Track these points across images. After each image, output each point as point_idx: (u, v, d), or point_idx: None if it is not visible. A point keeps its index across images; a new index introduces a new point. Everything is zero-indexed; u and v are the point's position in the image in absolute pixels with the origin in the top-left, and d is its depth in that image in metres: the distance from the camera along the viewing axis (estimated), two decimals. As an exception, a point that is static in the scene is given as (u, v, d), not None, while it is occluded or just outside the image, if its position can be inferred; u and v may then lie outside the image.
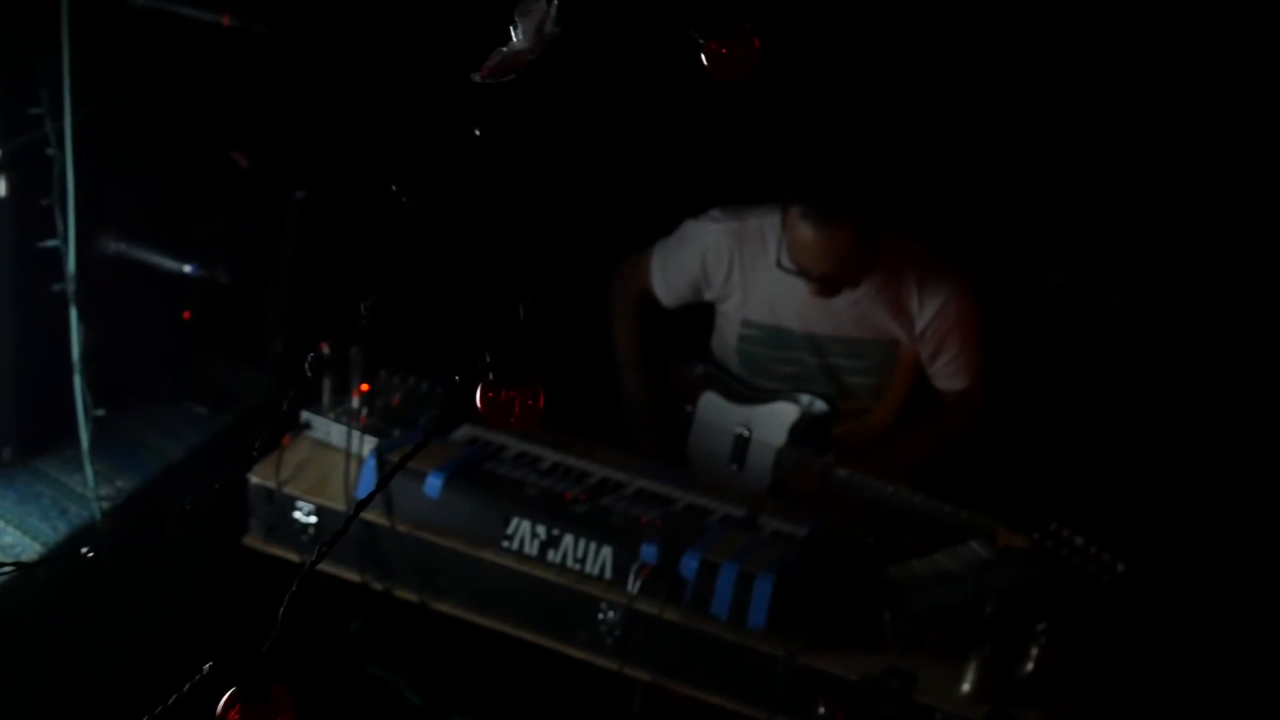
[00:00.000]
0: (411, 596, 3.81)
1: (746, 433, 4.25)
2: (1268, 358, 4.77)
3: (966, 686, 3.38)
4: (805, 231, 3.94)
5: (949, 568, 3.63)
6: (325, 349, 3.80)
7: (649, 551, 3.55)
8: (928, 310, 4.14)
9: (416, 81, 4.38)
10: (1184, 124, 4.77)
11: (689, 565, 3.52)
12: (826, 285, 4.03)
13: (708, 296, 4.31)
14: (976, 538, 3.71)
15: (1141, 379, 4.96)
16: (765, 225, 4.15)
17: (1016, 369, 4.68)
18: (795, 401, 4.21)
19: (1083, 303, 5.06)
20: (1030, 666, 3.43)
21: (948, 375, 4.24)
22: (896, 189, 4.21)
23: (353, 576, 3.84)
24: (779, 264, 4.04)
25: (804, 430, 4.18)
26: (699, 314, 4.41)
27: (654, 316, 4.42)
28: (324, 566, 3.73)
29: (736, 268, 4.20)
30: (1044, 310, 5.05)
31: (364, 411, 3.92)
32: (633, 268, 4.42)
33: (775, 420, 4.22)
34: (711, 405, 4.33)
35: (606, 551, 3.59)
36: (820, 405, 4.20)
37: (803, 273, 4.01)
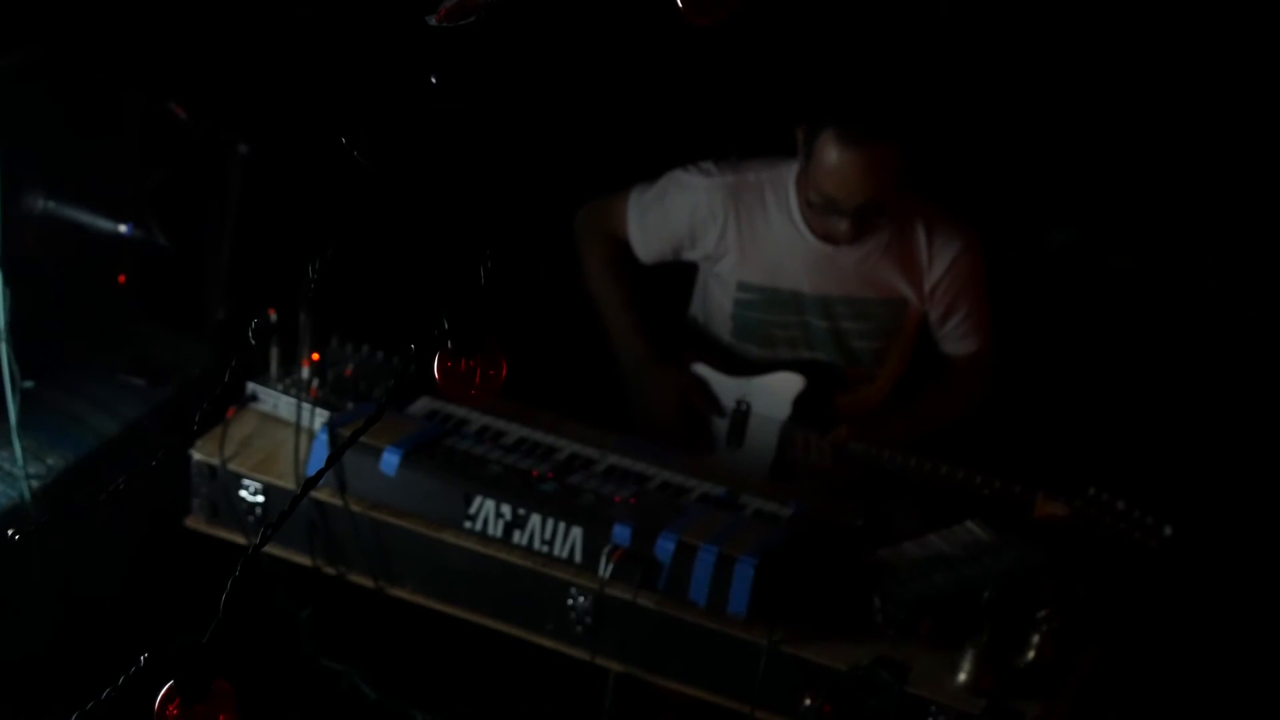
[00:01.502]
0: (366, 581, 3.81)
1: (745, 407, 4.25)
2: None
3: (962, 677, 3.39)
4: (842, 154, 3.93)
5: (944, 551, 3.64)
6: (272, 315, 3.79)
7: (622, 533, 3.55)
8: (938, 265, 4.16)
9: (368, 26, 4.37)
10: (1194, 84, 4.79)
11: (665, 547, 3.52)
12: (857, 219, 4.02)
13: (689, 256, 4.30)
14: (974, 518, 3.73)
15: (1155, 342, 4.99)
16: (765, 180, 4.15)
17: (1024, 332, 4.70)
18: (799, 370, 4.21)
19: (1088, 265, 5.09)
20: (1030, 656, 3.44)
21: (959, 337, 4.25)
22: (926, 118, 4.22)
23: (303, 560, 3.84)
24: (808, 201, 4.03)
25: (809, 402, 4.19)
26: (671, 273, 4.39)
27: (629, 263, 4.39)
28: (271, 549, 3.73)
29: (732, 227, 4.19)
30: (1047, 272, 5.07)
31: (314, 383, 3.92)
32: (603, 214, 4.39)
33: (777, 392, 4.22)
34: (704, 378, 4.33)
35: (576, 533, 3.59)
36: (824, 373, 4.20)
37: (829, 206, 3.99)
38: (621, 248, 4.35)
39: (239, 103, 4.68)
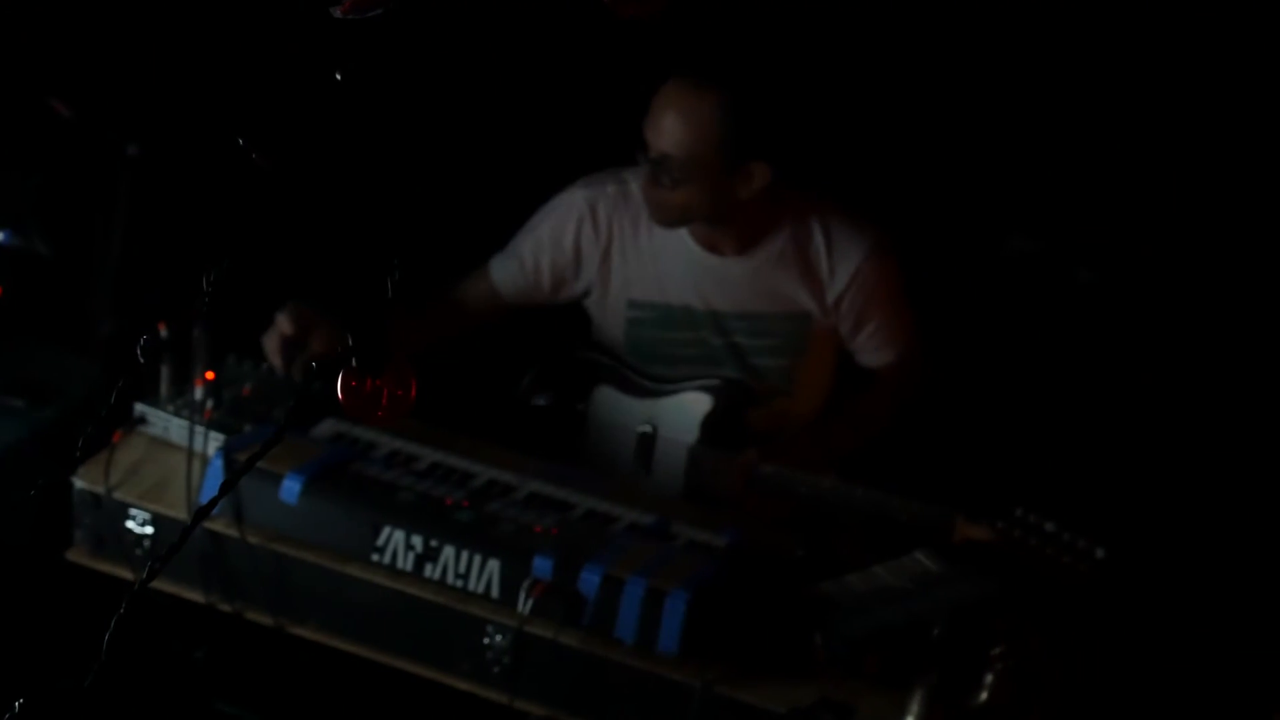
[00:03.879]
0: (265, 619, 3.80)
1: (650, 429, 4.26)
2: (1252, 332, 4.85)
3: (911, 719, 3.41)
4: (664, 95, 3.96)
5: (890, 583, 3.66)
6: (162, 330, 3.78)
7: (543, 565, 3.56)
8: (840, 275, 4.16)
9: (269, 17, 4.36)
10: (1179, 78, 4.84)
11: (589, 581, 3.53)
12: (656, 171, 4.00)
13: (572, 290, 4.29)
14: (923, 548, 3.75)
15: (1110, 356, 5.02)
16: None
17: (966, 344, 4.72)
18: (706, 390, 4.22)
19: (1046, 275, 5.12)
20: (984, 697, 3.46)
21: (873, 349, 4.27)
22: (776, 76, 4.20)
23: (196, 596, 3.82)
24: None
25: (719, 423, 4.20)
26: (573, 310, 4.40)
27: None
28: (161, 584, 3.72)
29: (617, 240, 4.20)
30: (1001, 281, 5.10)
31: (208, 403, 3.90)
32: (467, 293, 4.38)
33: (684, 413, 4.23)
34: (607, 401, 4.34)
35: (493, 565, 3.60)
36: (734, 392, 4.21)
37: (640, 149, 4.00)
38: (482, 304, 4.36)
39: (127, 99, 4.66)
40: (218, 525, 3.73)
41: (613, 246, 4.21)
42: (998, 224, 5.14)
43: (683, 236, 4.16)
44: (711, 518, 3.86)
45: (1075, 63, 4.90)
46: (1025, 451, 4.89)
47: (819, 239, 4.15)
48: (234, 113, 4.39)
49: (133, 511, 3.82)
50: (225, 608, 3.82)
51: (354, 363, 1.82)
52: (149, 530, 3.81)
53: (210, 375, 3.92)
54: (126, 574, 3.83)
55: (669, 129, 3.96)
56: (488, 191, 4.76)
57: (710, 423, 4.21)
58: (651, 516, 3.79)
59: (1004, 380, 5.01)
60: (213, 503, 1.87)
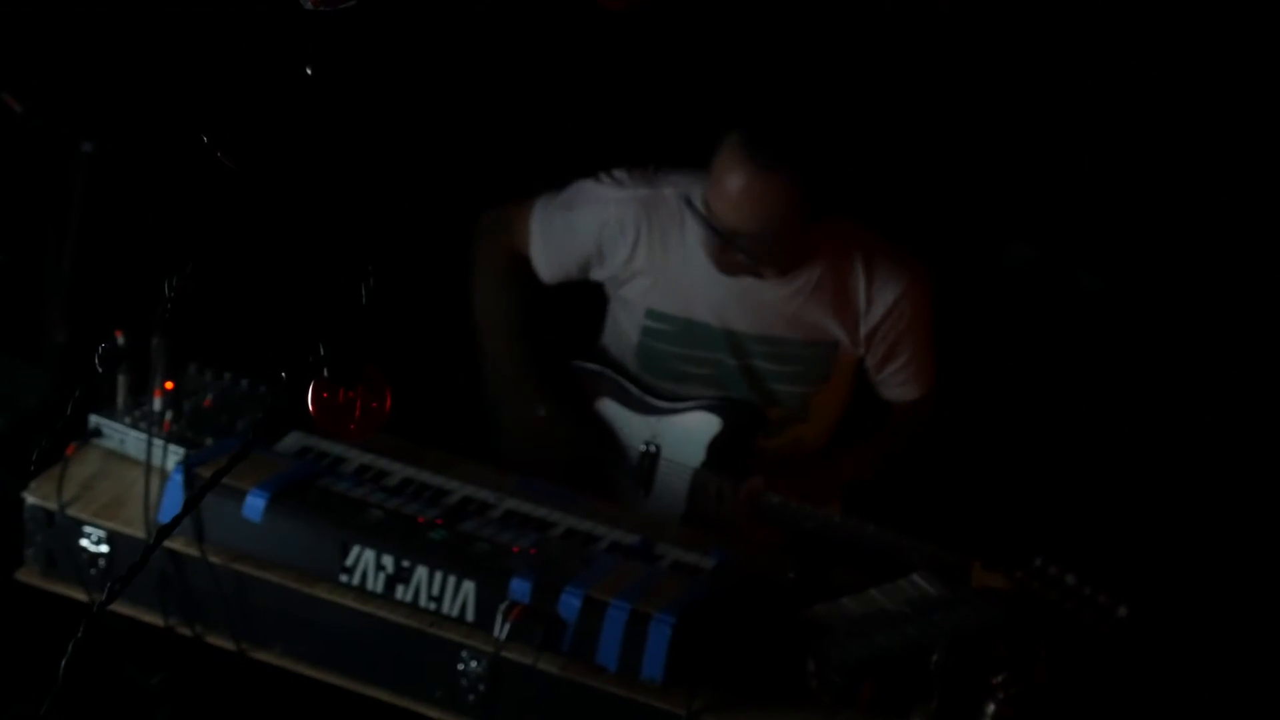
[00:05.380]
0: (227, 644, 3.79)
1: (654, 449, 4.26)
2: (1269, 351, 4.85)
3: (908, 751, 3.42)
4: (735, 168, 3.94)
5: (887, 607, 3.66)
6: (120, 338, 3.77)
7: (520, 587, 3.56)
8: (878, 308, 4.17)
9: (237, 8, 4.36)
10: (1164, 87, 4.86)
11: (570, 604, 3.53)
12: (730, 248, 4.02)
13: (597, 276, 4.31)
14: (921, 571, 3.75)
15: (1122, 369, 5.02)
16: (683, 195, 4.14)
17: (975, 366, 4.72)
18: (714, 411, 4.22)
19: (1050, 285, 5.12)
20: (985, 727, 3.47)
21: (898, 384, 4.28)
22: (854, 155, 4.23)
23: (154, 619, 3.81)
24: (688, 202, 4.04)
25: (726, 447, 4.20)
26: (580, 298, 4.40)
27: (526, 283, 4.38)
28: (118, 607, 3.71)
29: (644, 246, 4.19)
30: (1005, 294, 5.10)
31: (168, 415, 3.90)
32: (504, 224, 4.38)
33: (691, 434, 4.23)
34: (606, 415, 4.34)
35: (469, 587, 3.60)
36: (743, 415, 4.21)
37: (709, 222, 4.00)
38: (521, 263, 4.35)
39: (83, 93, 4.65)
40: (177, 544, 3.72)
41: (638, 251, 4.19)
42: (998, 230, 5.15)
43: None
44: (698, 537, 3.86)
45: (1075, 66, 4.92)
46: (1038, 476, 4.89)
47: (859, 269, 4.16)
48: (198, 108, 4.39)
49: (87, 529, 3.81)
50: (184, 631, 3.81)
51: (326, 373, 1.82)
52: (104, 549, 3.80)
53: (170, 385, 3.91)
54: (80, 595, 3.82)
55: (745, 213, 3.97)
56: (468, 193, 4.75)
57: (717, 446, 4.21)
58: (635, 536, 3.79)
59: (1013, 398, 5.00)
60: (175, 520, 1.87)
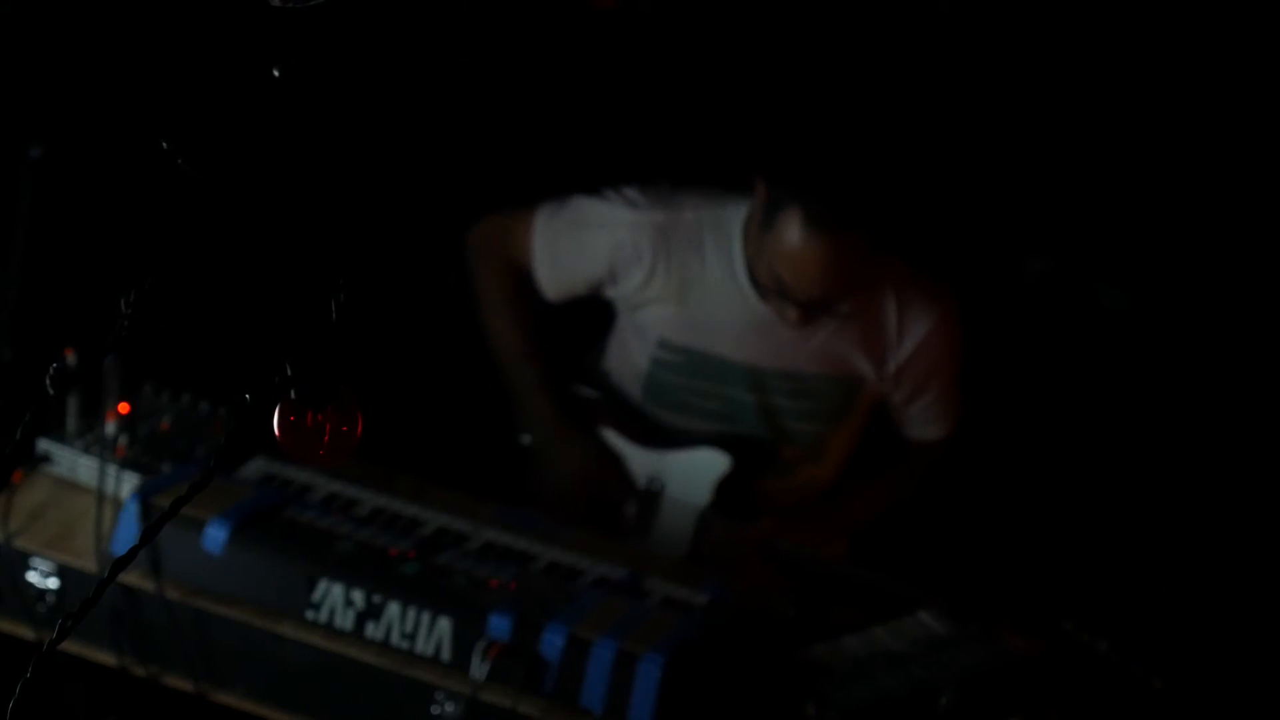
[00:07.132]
0: (185, 684, 3.79)
1: (658, 486, 4.26)
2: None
3: (914, 800, 3.42)
4: (805, 241, 3.94)
5: (892, 646, 3.67)
6: (70, 357, 3.76)
7: (499, 624, 3.56)
8: (908, 343, 4.18)
9: (198, 3, 4.36)
10: (1185, 98, 4.88)
11: (552, 642, 3.53)
12: (808, 312, 4.04)
13: (610, 294, 4.29)
14: (928, 608, 3.75)
15: (1145, 391, 5.03)
16: (705, 221, 4.13)
17: (993, 386, 4.73)
18: (724, 449, 4.22)
19: (1069, 300, 5.13)
20: (997, 774, 3.48)
21: (925, 421, 4.29)
22: (898, 190, 4.26)
23: (107, 659, 3.81)
24: (753, 279, 4.05)
25: (735, 487, 4.20)
26: (575, 313, 4.40)
27: (535, 295, 4.37)
28: (69, 646, 3.70)
29: (660, 274, 4.18)
30: (1023, 310, 5.12)
31: (122, 440, 3.89)
32: (502, 234, 4.36)
33: (697, 472, 4.23)
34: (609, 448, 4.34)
35: (444, 624, 3.60)
36: (754, 454, 4.21)
37: (781, 292, 4.01)
38: (523, 277, 4.33)
39: (30, 94, 4.65)
40: (132, 578, 3.71)
41: (655, 279, 4.18)
42: (1015, 245, 5.17)
43: (742, 283, 4.16)
44: (690, 572, 3.86)
45: (1093, 79, 4.94)
46: (1058, 515, 4.89)
47: (891, 303, 4.17)
48: (155, 111, 4.39)
49: (35, 562, 3.81)
50: (139, 671, 3.81)
51: (293, 394, 1.81)
52: (53, 584, 3.80)
53: (124, 408, 3.91)
54: (28, 633, 3.82)
55: (822, 277, 4.01)
56: (445, 202, 4.75)
57: (726, 486, 4.22)
58: (622, 570, 3.79)
59: (1033, 421, 5.01)
60: (131, 554, 1.86)
